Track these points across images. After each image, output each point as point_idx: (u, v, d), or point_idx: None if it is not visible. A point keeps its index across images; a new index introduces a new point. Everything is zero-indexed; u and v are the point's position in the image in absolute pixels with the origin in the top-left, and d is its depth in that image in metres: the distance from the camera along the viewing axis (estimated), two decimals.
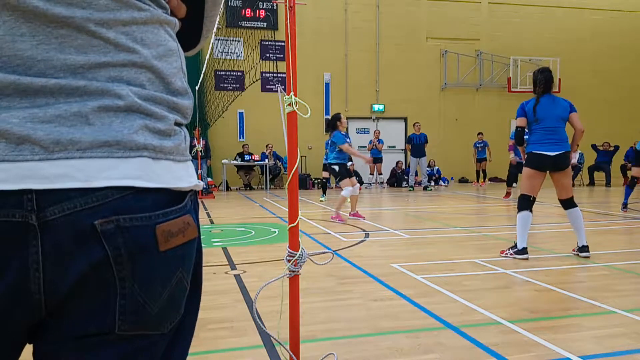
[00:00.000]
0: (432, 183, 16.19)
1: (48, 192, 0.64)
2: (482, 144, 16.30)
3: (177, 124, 0.77)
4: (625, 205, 9.05)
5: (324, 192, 11.86)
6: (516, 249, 5.04)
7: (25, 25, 0.64)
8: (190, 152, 0.84)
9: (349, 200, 8.24)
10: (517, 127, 5.25)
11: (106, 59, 0.69)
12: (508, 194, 11.35)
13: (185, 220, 0.74)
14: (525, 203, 5.09)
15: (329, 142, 8.12)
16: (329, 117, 8.63)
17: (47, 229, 0.64)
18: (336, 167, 7.95)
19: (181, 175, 0.75)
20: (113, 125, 0.68)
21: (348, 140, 8.06)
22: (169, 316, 0.75)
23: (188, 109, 0.79)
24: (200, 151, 12.60)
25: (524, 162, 5.33)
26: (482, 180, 16.67)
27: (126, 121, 0.69)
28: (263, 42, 15.38)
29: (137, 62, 0.71)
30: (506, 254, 5.10)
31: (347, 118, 17.45)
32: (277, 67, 15.30)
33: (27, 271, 0.64)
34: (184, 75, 0.80)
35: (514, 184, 13.21)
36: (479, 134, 16.62)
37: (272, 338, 2.45)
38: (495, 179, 17.82)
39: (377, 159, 15.70)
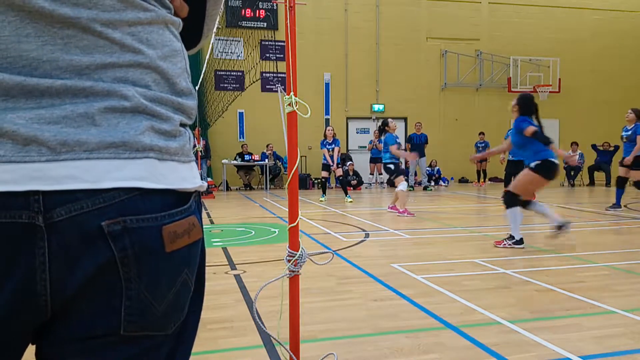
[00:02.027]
0: (432, 183, 16.18)
1: (55, 193, 0.64)
2: (483, 144, 16.31)
3: (182, 125, 0.77)
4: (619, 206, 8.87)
5: (324, 192, 11.85)
6: (514, 240, 5.37)
7: (31, 26, 0.64)
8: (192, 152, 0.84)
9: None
10: (535, 130, 5.37)
11: (112, 60, 0.69)
12: (533, 195, 11.28)
13: (191, 221, 0.74)
14: (516, 200, 5.42)
15: (383, 143, 8.91)
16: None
17: (54, 230, 0.64)
18: (391, 166, 8.71)
19: (186, 176, 0.75)
20: (119, 126, 0.68)
21: (397, 140, 8.89)
22: (173, 317, 0.75)
23: (193, 110, 0.79)
24: (201, 151, 12.59)
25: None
26: (482, 180, 16.67)
27: (132, 122, 0.69)
28: (263, 42, 15.37)
29: (143, 63, 0.71)
30: (504, 244, 5.38)
31: (347, 118, 17.50)
32: (277, 67, 15.30)
33: (34, 272, 0.64)
34: (188, 75, 0.80)
35: None
36: (480, 133, 16.62)
37: (272, 338, 2.45)
38: (495, 179, 17.81)
39: (376, 159, 15.70)
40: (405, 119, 17.88)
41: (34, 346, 0.74)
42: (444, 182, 16.80)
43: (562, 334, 2.90)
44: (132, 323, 0.69)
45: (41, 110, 0.64)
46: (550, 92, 18.26)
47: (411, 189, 14.68)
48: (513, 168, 10.85)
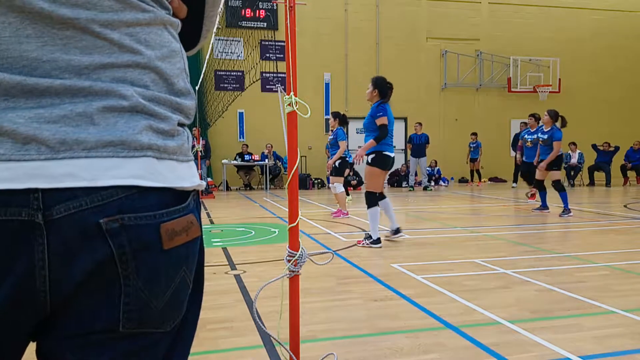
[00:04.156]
0: (432, 183, 16.17)
1: (54, 191, 0.64)
2: (474, 144, 16.32)
3: (180, 125, 0.77)
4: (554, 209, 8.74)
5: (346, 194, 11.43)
6: (372, 240, 5.60)
7: (31, 27, 0.65)
8: (191, 152, 0.85)
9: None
10: (384, 126, 5.66)
11: (110, 60, 0.69)
12: (533, 196, 11.29)
13: (189, 219, 0.75)
14: (375, 199, 5.66)
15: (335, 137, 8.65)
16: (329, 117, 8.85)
17: (53, 227, 0.65)
18: (337, 164, 8.48)
19: (184, 175, 0.76)
20: (117, 126, 0.68)
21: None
22: (171, 314, 0.75)
23: (191, 110, 0.80)
24: (201, 151, 12.58)
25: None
26: (478, 180, 16.69)
27: (130, 121, 0.69)
28: (263, 42, 15.37)
29: (141, 63, 0.72)
30: (363, 244, 5.63)
31: (347, 118, 17.47)
32: (277, 67, 15.29)
33: (33, 269, 0.65)
34: (187, 76, 0.80)
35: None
36: (472, 134, 16.61)
37: (272, 338, 2.45)
38: (495, 179, 17.82)
39: None
40: (405, 119, 17.88)
41: (35, 344, 0.74)
42: (444, 182, 16.79)
43: (562, 334, 2.90)
44: (130, 320, 0.70)
45: (40, 110, 0.65)
46: (550, 92, 18.26)
47: (411, 189, 14.67)
48: (528, 167, 10.89)
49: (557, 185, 8.49)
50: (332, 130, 8.70)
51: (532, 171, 10.91)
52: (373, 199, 5.68)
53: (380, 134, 5.61)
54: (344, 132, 8.48)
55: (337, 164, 8.34)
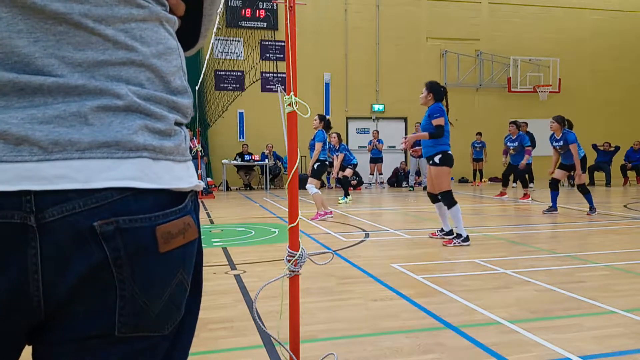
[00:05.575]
0: None
1: (47, 193, 0.63)
2: (480, 145, 16.32)
3: (177, 124, 0.76)
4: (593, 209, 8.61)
5: (346, 194, 11.18)
6: (462, 238, 5.63)
7: (23, 22, 0.63)
8: (190, 153, 0.85)
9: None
10: (441, 126, 5.65)
11: (104, 57, 0.68)
12: (502, 194, 11.42)
13: (186, 221, 0.73)
14: (453, 197, 5.70)
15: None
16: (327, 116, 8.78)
17: (46, 230, 0.63)
18: (316, 165, 8.39)
19: (181, 176, 0.74)
20: (112, 126, 0.67)
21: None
22: (169, 317, 0.74)
23: (188, 108, 0.78)
24: (201, 151, 12.58)
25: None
26: (479, 180, 16.70)
27: (125, 121, 0.68)
28: (263, 42, 15.37)
29: (136, 61, 0.71)
30: (454, 243, 5.63)
31: (347, 118, 17.49)
32: (277, 67, 15.29)
33: (26, 273, 0.64)
34: (184, 74, 0.79)
35: (531, 184, 13.21)
36: (477, 134, 16.63)
37: (272, 338, 2.44)
38: (495, 179, 17.81)
39: (376, 159, 15.69)
40: (405, 119, 17.88)
41: (31, 347, 0.73)
42: None
43: (562, 334, 2.90)
44: (126, 324, 0.69)
45: (33, 110, 0.63)
46: (550, 92, 18.27)
47: (411, 189, 14.67)
48: (512, 169, 11.06)
49: (582, 188, 8.62)
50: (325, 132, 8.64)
51: (516, 172, 11.11)
52: (452, 198, 5.67)
53: (436, 132, 5.66)
54: (323, 134, 8.30)
55: (315, 166, 8.24)
